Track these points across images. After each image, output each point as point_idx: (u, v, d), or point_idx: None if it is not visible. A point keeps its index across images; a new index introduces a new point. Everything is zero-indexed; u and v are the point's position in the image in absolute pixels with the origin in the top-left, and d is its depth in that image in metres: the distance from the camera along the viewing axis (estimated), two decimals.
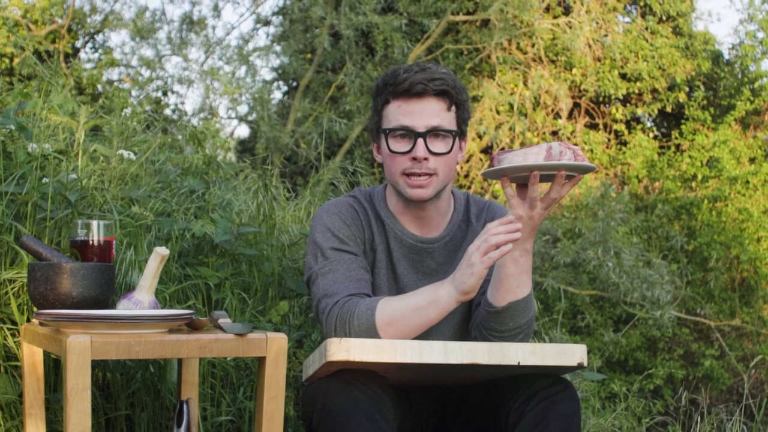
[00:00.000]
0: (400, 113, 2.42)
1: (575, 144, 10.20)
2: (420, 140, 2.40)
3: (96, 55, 12.97)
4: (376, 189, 2.60)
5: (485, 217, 2.59)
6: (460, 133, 2.48)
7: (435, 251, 2.52)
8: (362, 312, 2.30)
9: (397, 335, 2.28)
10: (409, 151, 2.40)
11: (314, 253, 2.47)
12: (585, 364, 2.25)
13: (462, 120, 2.49)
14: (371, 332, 2.28)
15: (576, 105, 11.21)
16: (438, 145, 2.42)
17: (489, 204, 2.62)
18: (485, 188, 10.68)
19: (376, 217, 2.54)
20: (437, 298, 2.27)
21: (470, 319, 2.55)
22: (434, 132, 2.41)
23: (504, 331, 2.35)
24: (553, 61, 11.07)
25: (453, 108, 2.45)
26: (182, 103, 12.55)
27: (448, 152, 2.44)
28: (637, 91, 10.93)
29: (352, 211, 2.53)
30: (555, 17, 10.90)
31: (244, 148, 11.87)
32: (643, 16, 11.34)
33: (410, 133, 2.41)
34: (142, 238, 2.89)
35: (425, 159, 2.40)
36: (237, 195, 3.65)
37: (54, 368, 2.63)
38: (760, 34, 11.08)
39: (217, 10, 12.46)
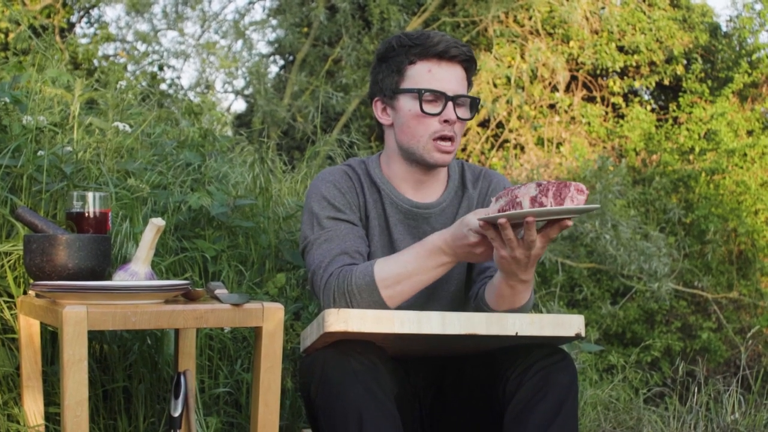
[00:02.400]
0: (430, 76, 2.43)
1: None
2: (450, 104, 2.42)
3: (91, 30, 12.90)
4: (371, 158, 2.60)
5: (482, 183, 2.59)
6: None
7: (431, 217, 2.51)
8: (359, 276, 2.28)
9: (396, 294, 2.28)
10: (439, 114, 2.41)
11: (310, 222, 2.45)
12: (583, 334, 2.25)
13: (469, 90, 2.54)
14: (373, 294, 2.26)
15: (573, 78, 11.18)
16: (463, 111, 2.47)
17: (485, 171, 2.62)
18: (482, 162, 10.67)
19: (371, 184, 2.53)
20: (438, 265, 2.27)
21: (468, 287, 2.55)
22: (461, 98, 2.45)
23: None
24: (550, 34, 11.03)
25: (468, 78, 2.51)
26: (178, 78, 12.53)
27: (471, 118, 2.50)
28: (634, 63, 10.91)
29: (346, 179, 2.52)
30: None
31: (241, 122, 11.85)
32: None
33: (441, 97, 2.42)
34: (138, 211, 2.88)
35: (454, 122, 2.43)
36: (233, 168, 3.64)
37: (51, 341, 2.63)
38: (758, 6, 11.04)
39: None
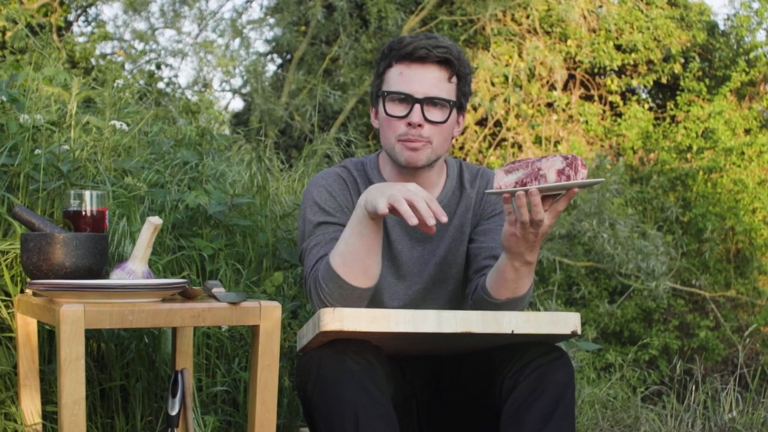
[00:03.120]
0: (400, 78, 2.41)
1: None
2: (417, 106, 2.39)
3: (89, 28, 12.90)
4: (369, 158, 2.60)
5: (479, 183, 2.58)
6: (459, 105, 2.47)
7: None
8: (322, 269, 2.30)
9: (352, 268, 2.26)
10: (405, 116, 2.40)
11: (302, 229, 2.47)
12: (579, 332, 2.24)
13: (462, 93, 2.48)
14: (337, 281, 2.27)
15: (571, 76, 11.18)
16: (434, 114, 2.41)
17: (482, 170, 2.61)
18: (480, 161, 10.67)
19: (368, 184, 2.52)
20: (359, 221, 2.24)
21: (465, 286, 2.55)
22: (432, 100, 2.41)
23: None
24: (547, 33, 11.03)
25: (454, 79, 2.45)
26: (176, 76, 12.52)
27: (444, 121, 2.43)
28: (632, 62, 10.91)
29: (340, 181, 2.52)
30: None
31: (239, 121, 11.84)
32: None
33: (408, 99, 2.40)
34: (136, 209, 2.88)
35: (420, 125, 2.39)
36: (231, 166, 3.64)
37: (48, 340, 2.63)
38: (755, 5, 11.04)
39: None
